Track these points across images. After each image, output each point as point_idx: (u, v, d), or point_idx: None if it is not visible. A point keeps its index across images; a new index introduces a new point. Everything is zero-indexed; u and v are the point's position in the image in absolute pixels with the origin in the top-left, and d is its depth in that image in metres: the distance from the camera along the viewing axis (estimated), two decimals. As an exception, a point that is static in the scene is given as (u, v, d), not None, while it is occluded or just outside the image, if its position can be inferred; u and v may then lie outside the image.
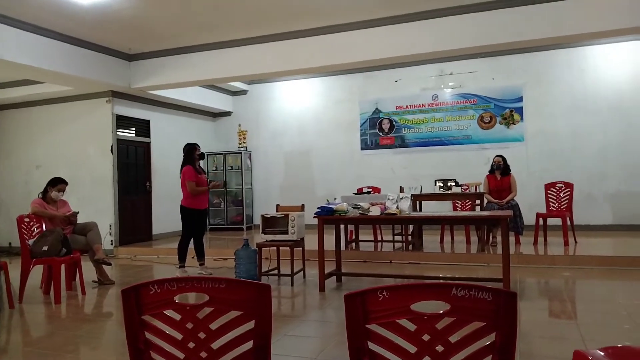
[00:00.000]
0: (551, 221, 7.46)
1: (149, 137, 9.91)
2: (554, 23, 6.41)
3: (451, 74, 9.82)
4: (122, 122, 9.29)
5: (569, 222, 7.20)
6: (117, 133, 9.16)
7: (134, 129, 9.63)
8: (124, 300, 1.45)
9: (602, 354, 1.95)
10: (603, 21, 6.23)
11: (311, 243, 5.91)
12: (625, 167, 8.78)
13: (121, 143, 9.25)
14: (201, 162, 6.51)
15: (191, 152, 6.33)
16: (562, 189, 7.56)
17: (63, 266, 5.58)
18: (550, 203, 7.61)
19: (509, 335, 1.27)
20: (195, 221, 6.27)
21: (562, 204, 7.51)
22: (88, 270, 5.98)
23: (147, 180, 9.83)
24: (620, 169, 8.81)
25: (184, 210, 6.27)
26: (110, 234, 8.87)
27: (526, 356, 3.22)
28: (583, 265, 6.11)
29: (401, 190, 7.60)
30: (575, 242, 7.25)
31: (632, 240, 7.74)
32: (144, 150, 9.86)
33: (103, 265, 5.98)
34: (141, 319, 1.46)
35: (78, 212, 6.02)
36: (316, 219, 5.31)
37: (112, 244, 8.87)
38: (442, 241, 8.03)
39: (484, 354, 1.28)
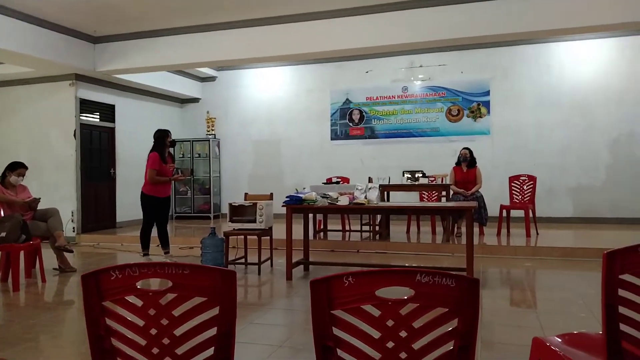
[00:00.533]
0: (514, 213, 7.65)
1: (113, 122, 9.67)
2: (524, 18, 6.53)
3: (421, 66, 9.90)
4: (86, 106, 9.02)
5: (531, 214, 7.40)
6: (81, 117, 8.90)
7: (98, 113, 9.38)
8: (84, 286, 1.42)
9: (559, 340, 2.02)
10: (570, 18, 6.37)
11: (279, 232, 5.90)
12: (585, 162, 9.07)
13: (85, 128, 9.00)
14: (171, 149, 6.40)
15: (162, 139, 6.21)
16: (526, 181, 7.76)
17: (22, 253, 5.42)
18: (514, 195, 7.80)
19: (471, 321, 1.29)
20: (154, 209, 6.15)
21: (525, 196, 7.71)
22: (49, 257, 5.81)
23: (111, 167, 9.60)
24: (580, 163, 9.09)
25: (143, 197, 6.15)
26: (72, 221, 8.64)
27: (487, 343, 3.31)
28: (544, 256, 6.30)
29: (370, 180, 7.66)
30: (537, 233, 7.45)
31: (590, 232, 8.02)
32: (109, 136, 9.61)
33: (64, 253, 5.83)
34: (102, 305, 1.42)
35: (39, 199, 5.84)
36: (285, 208, 5.30)
37: (74, 231, 8.65)
38: (408, 231, 8.14)
39: (447, 339, 1.30)
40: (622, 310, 1.60)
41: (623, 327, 1.61)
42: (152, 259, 6.18)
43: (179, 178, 6.45)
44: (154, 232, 6.25)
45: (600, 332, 1.73)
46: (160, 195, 6.17)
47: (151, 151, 6.16)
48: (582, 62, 9.11)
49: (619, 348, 1.61)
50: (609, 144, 8.97)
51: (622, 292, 1.59)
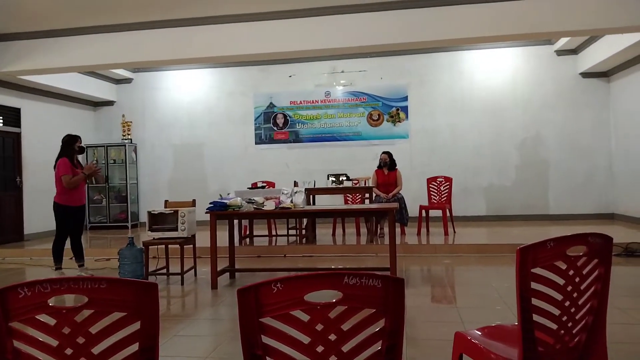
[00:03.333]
0: (433, 213, 7.99)
1: (19, 127, 9.00)
2: (438, 27, 6.82)
3: (342, 72, 10.08)
4: (-13, 109, 8.34)
5: (448, 214, 7.76)
6: (-19, 122, 8.20)
7: (1, 117, 8.68)
8: (-13, 307, 1.29)
9: (479, 333, 2.12)
10: (480, 28, 6.75)
11: (203, 240, 5.75)
12: (496, 163, 9.65)
13: (-15, 133, 8.31)
14: (80, 156, 6.03)
15: (69, 144, 5.84)
16: (442, 182, 8.13)
17: None
18: (432, 196, 8.15)
19: (398, 320, 1.32)
20: (69, 219, 5.79)
21: (442, 196, 8.07)
22: (-56, 276, 5.29)
23: (17, 175, 8.92)
24: (492, 164, 9.67)
25: (56, 207, 5.76)
26: (-28, 235, 7.93)
27: (411, 340, 3.41)
28: (461, 253, 6.62)
29: (295, 184, 7.67)
30: (454, 231, 7.82)
31: (502, 229, 8.53)
32: (13, 142, 8.93)
33: (-37, 270, 5.33)
34: (8, 326, 1.30)
35: None
36: (208, 215, 5.17)
37: (-25, 246, 7.93)
38: (334, 234, 8.25)
39: (375, 340, 1.31)
40: (535, 302, 1.70)
41: (536, 318, 1.71)
42: (66, 274, 5.79)
43: (97, 171, 5.99)
44: (68, 244, 5.87)
45: (516, 323, 1.84)
46: (74, 204, 5.80)
47: (59, 157, 5.79)
48: (492, 70, 9.71)
49: (532, 337, 1.71)
50: (517, 146, 9.61)
51: (534, 285, 1.69)
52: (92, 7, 6.83)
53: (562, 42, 9.01)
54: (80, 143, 5.96)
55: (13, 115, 8.90)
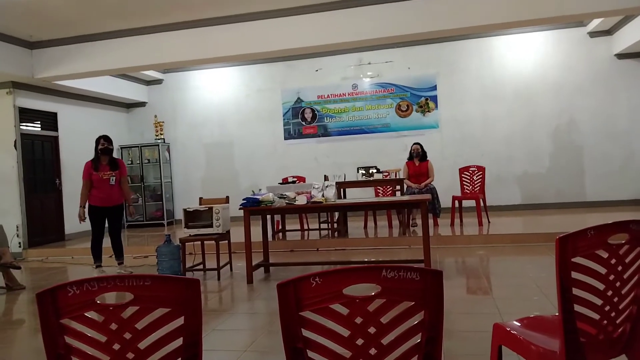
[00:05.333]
0: (466, 203, 7.88)
1: (56, 130, 9.28)
2: (465, 14, 6.71)
3: (369, 63, 10.02)
4: (26, 115, 8.62)
5: (482, 204, 7.65)
6: (21, 127, 8.48)
7: (39, 122, 8.98)
8: (40, 305, 1.35)
9: (519, 324, 2.09)
10: (509, 12, 6.60)
11: (237, 235, 5.83)
12: (529, 150, 9.44)
13: (25, 138, 8.59)
14: (107, 156, 5.98)
15: (95, 146, 6.01)
16: (475, 172, 8.01)
17: (-36, 273, 5.12)
18: (465, 186, 8.04)
19: (437, 313, 1.32)
20: (97, 218, 5.93)
21: (475, 186, 7.95)
22: (-7, 276, 5.52)
23: (56, 177, 9.21)
24: (526, 151, 9.46)
25: (88, 208, 5.95)
26: (17, 236, 8.23)
27: (448, 332, 3.38)
28: (496, 244, 6.52)
29: (326, 178, 7.69)
30: (489, 222, 7.71)
31: (538, 218, 8.36)
32: (52, 145, 9.22)
33: (11, 270, 5.54)
34: (60, 323, 1.36)
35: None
36: (242, 211, 5.24)
37: (20, 246, 8.24)
38: (365, 226, 8.24)
39: (414, 332, 1.32)
40: (575, 291, 1.67)
41: (577, 308, 1.68)
42: (106, 271, 5.97)
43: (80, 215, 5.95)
44: (108, 242, 6.04)
45: (556, 314, 1.81)
46: (100, 204, 5.88)
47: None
48: (522, 55, 9.48)
49: (574, 328, 1.68)
50: (550, 132, 9.37)
51: (575, 274, 1.66)
52: (120, 11, 6.98)
53: (595, 24, 8.73)
54: (103, 144, 5.94)
55: (50, 120, 9.19)
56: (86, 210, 5.92)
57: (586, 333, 1.72)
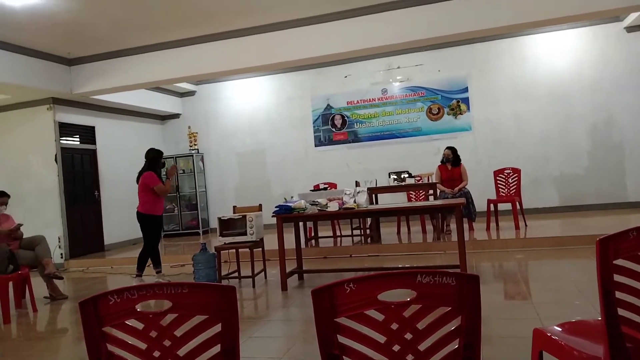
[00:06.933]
0: (501, 206, 7.72)
1: (94, 144, 9.57)
2: (495, 14, 6.62)
3: (398, 67, 9.98)
4: (66, 129, 8.92)
5: (518, 207, 7.47)
6: (61, 141, 8.79)
7: (78, 136, 9.28)
8: (83, 313, 1.39)
9: (560, 329, 2.03)
10: (541, 10, 6.48)
11: (270, 243, 5.88)
12: (566, 151, 9.19)
13: (65, 152, 8.89)
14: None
15: (157, 159, 6.14)
16: (510, 174, 7.84)
17: (11, 283, 5.31)
18: (500, 189, 7.88)
19: (474, 318, 1.30)
20: (153, 227, 6.10)
21: (510, 189, 7.78)
22: (39, 286, 5.71)
23: (95, 189, 9.49)
24: (562, 152, 9.22)
25: (143, 217, 6.06)
26: (59, 247, 8.51)
27: (487, 338, 3.30)
28: (534, 247, 6.36)
29: (357, 184, 7.68)
30: (526, 225, 7.53)
31: (577, 220, 8.12)
32: (90, 158, 9.51)
33: (54, 280, 5.73)
34: (102, 331, 1.40)
35: (21, 225, 5.74)
36: (274, 219, 5.28)
37: (62, 257, 8.51)
38: (399, 232, 8.17)
39: (451, 338, 1.30)
40: (618, 295, 1.62)
41: (622, 312, 1.63)
42: (145, 281, 6.11)
43: (172, 171, 6.22)
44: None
45: (599, 319, 1.75)
46: (158, 213, 6.14)
47: (144, 170, 6.08)
48: (556, 53, 9.26)
49: (619, 333, 1.63)
50: (588, 131, 9.11)
51: (617, 277, 1.61)
52: (152, 26, 7.17)
53: (632, 18, 8.45)
54: (164, 160, 6.29)
55: (89, 133, 9.49)
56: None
57: (632, 338, 1.66)
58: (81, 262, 8.47)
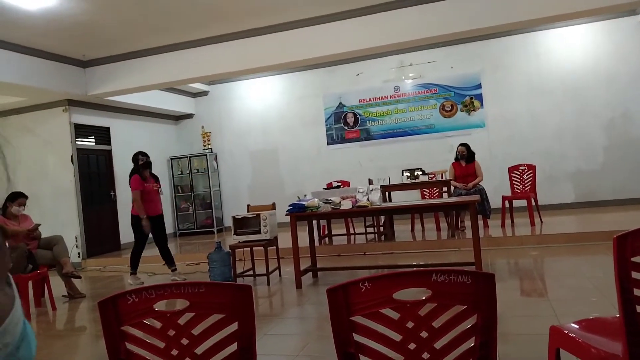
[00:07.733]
0: (516, 203, 7.66)
1: (110, 144, 9.68)
2: (508, 9, 6.55)
3: (411, 64, 9.93)
4: (81, 130, 9.04)
5: (533, 203, 7.41)
6: (77, 142, 8.90)
7: (93, 137, 9.39)
8: (102, 312, 1.42)
9: (577, 326, 2.02)
10: (555, 5, 6.40)
11: (284, 241, 5.90)
12: (582, 146, 9.08)
13: (81, 152, 9.01)
14: (148, 169, 6.30)
15: (135, 162, 6.29)
16: (525, 171, 7.77)
17: (30, 283, 5.41)
18: (515, 185, 7.81)
19: (490, 316, 1.30)
20: (142, 229, 6.13)
21: (525, 185, 7.72)
22: (57, 285, 5.80)
23: (111, 189, 9.60)
24: (577, 148, 9.11)
25: (132, 218, 6.21)
26: (77, 246, 8.63)
27: (503, 335, 3.30)
28: (550, 244, 6.30)
29: (370, 182, 7.66)
30: (541, 221, 7.46)
31: (593, 216, 8.02)
32: (106, 159, 9.62)
33: (72, 279, 5.82)
34: (120, 330, 1.42)
35: (39, 225, 5.83)
36: (288, 217, 5.30)
37: (79, 257, 8.63)
38: (412, 229, 8.14)
39: (467, 336, 1.30)
40: (637, 292, 1.60)
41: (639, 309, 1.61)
42: (140, 278, 6.24)
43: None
44: (157, 251, 6.25)
45: (616, 316, 1.74)
46: (150, 213, 6.14)
47: (131, 174, 6.22)
48: (570, 48, 9.15)
49: (637, 330, 1.61)
50: (604, 127, 8.99)
51: (635, 274, 1.59)
52: (165, 27, 7.22)
53: (649, 11, 8.34)
54: (142, 159, 6.28)
55: (104, 134, 9.60)
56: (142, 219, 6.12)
57: (650, 336, 1.64)
58: (98, 261, 8.58)
